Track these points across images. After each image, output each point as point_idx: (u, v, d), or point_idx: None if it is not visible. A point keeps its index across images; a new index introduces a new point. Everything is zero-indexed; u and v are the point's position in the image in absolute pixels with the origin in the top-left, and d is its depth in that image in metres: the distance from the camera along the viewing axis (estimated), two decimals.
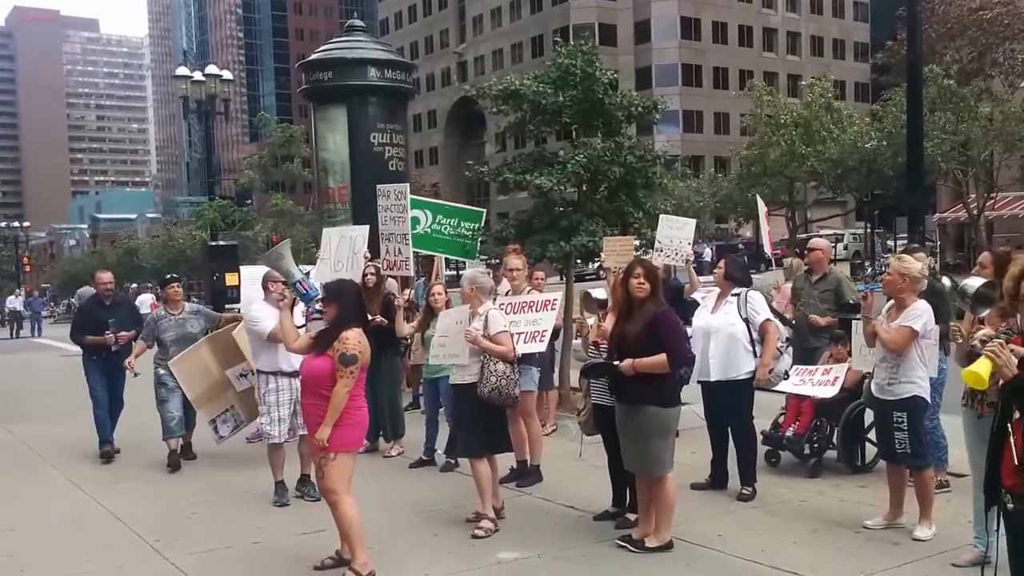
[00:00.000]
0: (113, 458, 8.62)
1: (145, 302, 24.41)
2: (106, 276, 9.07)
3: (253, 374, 7.40)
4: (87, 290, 25.86)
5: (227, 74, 24.90)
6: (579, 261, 10.00)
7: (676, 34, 67.26)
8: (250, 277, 8.62)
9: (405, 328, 8.18)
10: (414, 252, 10.39)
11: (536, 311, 7.08)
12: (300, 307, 6.42)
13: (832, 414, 6.96)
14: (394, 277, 9.43)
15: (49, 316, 44.66)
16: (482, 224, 9.96)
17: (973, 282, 4.58)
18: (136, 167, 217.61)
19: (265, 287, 7.61)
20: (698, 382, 6.42)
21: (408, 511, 6.53)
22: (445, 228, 9.76)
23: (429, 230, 9.70)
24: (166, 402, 8.17)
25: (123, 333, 8.61)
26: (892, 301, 5.63)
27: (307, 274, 6.56)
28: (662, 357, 5.31)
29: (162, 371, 8.16)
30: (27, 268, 67.61)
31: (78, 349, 9.07)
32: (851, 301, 7.33)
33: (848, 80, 67.97)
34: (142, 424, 8.99)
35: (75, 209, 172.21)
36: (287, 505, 6.75)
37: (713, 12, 68.47)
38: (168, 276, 9.07)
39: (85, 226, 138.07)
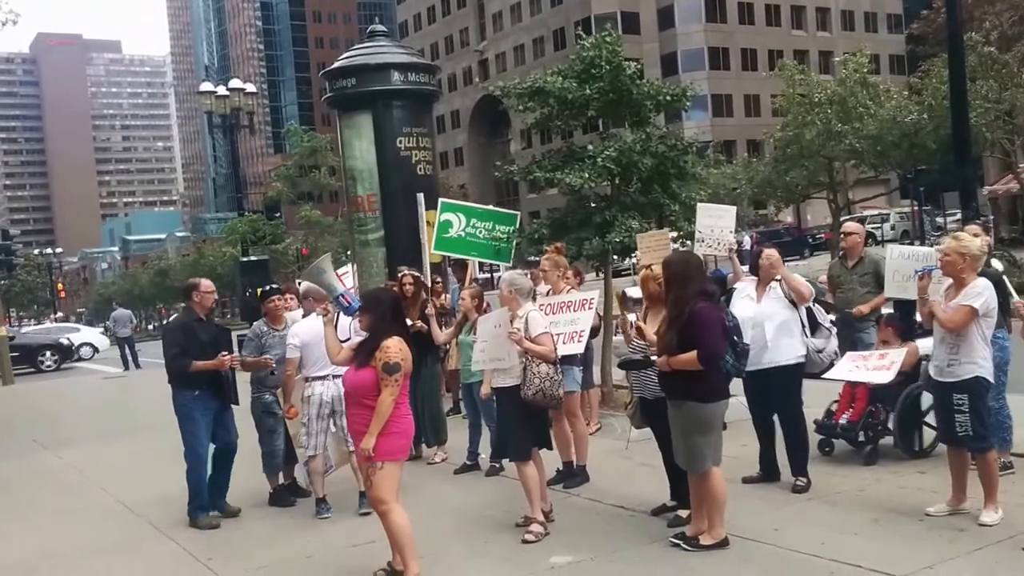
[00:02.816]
0: (220, 525, 6.91)
1: None
2: (210, 284, 7.13)
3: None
4: (123, 313, 26.28)
5: (250, 87, 25.04)
6: (616, 257, 9.86)
7: (701, 17, 66.29)
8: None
9: (441, 336, 8.14)
10: (448, 256, 10.36)
11: (574, 311, 7.03)
12: (345, 320, 6.37)
13: (887, 399, 6.77)
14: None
15: None
16: (517, 227, 9.85)
17: None
18: (163, 186, 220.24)
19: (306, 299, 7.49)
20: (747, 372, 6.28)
21: (456, 518, 6.47)
22: (479, 231, 9.67)
23: (463, 233, 9.62)
24: (275, 433, 7.21)
25: (235, 356, 6.88)
26: (950, 281, 5.45)
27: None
28: (694, 354, 5.21)
29: (269, 397, 7.17)
30: (61, 294, 68.38)
31: (117, 371, 8.71)
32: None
33: (882, 53, 66.12)
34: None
35: (106, 232, 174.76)
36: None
37: None
38: (269, 287, 7.65)
39: (116, 249, 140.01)
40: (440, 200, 10.11)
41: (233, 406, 7.04)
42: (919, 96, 29.97)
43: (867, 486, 6.33)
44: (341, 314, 6.12)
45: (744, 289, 6.69)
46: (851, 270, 7.80)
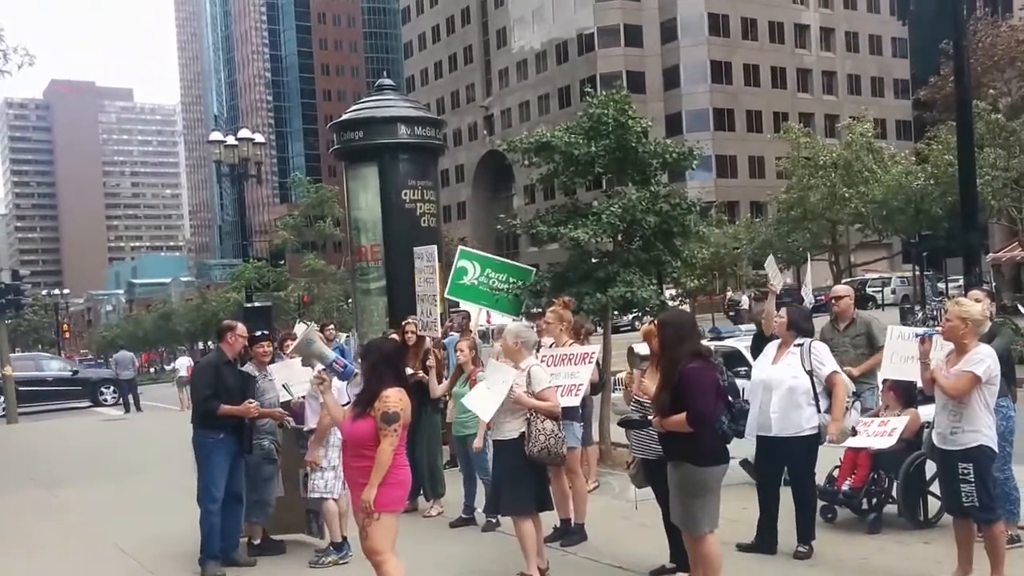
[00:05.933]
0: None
1: (182, 366, 24.50)
2: (244, 329, 7.10)
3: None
4: (124, 355, 26.26)
5: (259, 137, 25.30)
6: (616, 312, 9.84)
7: (706, 79, 66.83)
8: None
9: (437, 389, 8.08)
10: (456, 305, 10.38)
11: (575, 364, 6.99)
12: (339, 384, 6.34)
13: (891, 466, 6.66)
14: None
15: None
16: (530, 281, 9.83)
17: None
18: (170, 232, 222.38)
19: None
20: (757, 436, 6.16)
21: (452, 572, 6.39)
22: (492, 282, 9.69)
23: (476, 282, 9.65)
24: (271, 481, 7.14)
25: (258, 405, 6.79)
26: (952, 346, 5.40)
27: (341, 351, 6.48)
28: (684, 416, 5.10)
29: (268, 444, 7.09)
30: (66, 335, 68.49)
31: (117, 413, 8.68)
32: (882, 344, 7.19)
33: (888, 118, 66.64)
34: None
35: (112, 275, 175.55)
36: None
37: (744, 55, 67.81)
38: (259, 332, 7.53)
39: (121, 292, 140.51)
40: (459, 248, 10.19)
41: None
42: (925, 162, 30.15)
43: (871, 554, 6.19)
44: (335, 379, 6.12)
45: (769, 348, 6.55)
46: (843, 332, 7.81)
